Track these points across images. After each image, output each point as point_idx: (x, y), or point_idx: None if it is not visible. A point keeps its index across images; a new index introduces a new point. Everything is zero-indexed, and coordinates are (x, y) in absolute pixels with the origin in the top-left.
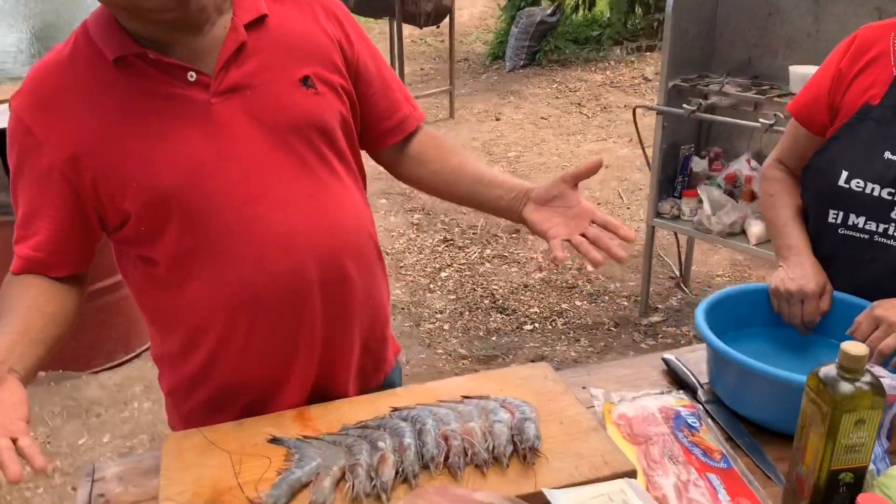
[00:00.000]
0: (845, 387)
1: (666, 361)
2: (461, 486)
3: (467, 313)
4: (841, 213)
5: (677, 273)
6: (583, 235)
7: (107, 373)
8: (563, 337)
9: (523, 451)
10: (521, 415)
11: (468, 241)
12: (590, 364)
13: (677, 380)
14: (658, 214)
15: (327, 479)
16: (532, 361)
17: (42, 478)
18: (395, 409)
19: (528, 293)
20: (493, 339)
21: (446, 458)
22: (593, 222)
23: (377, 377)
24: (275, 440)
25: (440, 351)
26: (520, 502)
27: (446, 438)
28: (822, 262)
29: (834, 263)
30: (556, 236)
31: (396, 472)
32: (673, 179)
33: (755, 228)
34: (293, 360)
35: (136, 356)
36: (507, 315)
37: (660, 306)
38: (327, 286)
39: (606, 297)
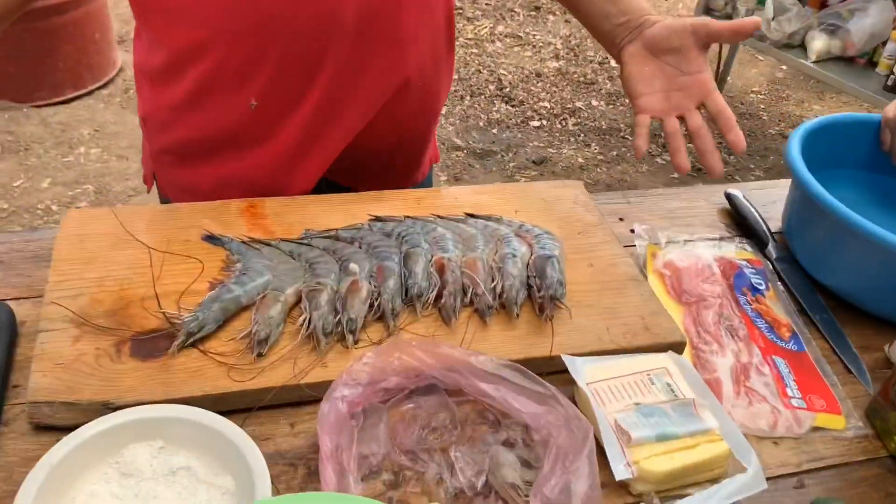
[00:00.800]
0: None
1: (730, 198)
2: (453, 336)
3: (468, 98)
4: None
5: None
6: (680, 118)
7: (51, 108)
8: (572, 139)
9: (540, 300)
10: (542, 249)
11: (479, 13)
12: (628, 190)
13: (741, 225)
14: (708, 10)
15: (276, 304)
16: (534, 162)
17: None
18: (377, 219)
19: (539, 84)
20: (494, 131)
21: (438, 296)
22: (703, 106)
23: (404, 185)
24: (211, 238)
25: None
26: (526, 371)
27: (441, 269)
28: None
29: None
30: (645, 110)
31: (370, 307)
32: None
33: (818, 43)
34: (297, 120)
35: (87, 94)
36: (513, 106)
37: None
38: (365, 25)
39: (626, 100)
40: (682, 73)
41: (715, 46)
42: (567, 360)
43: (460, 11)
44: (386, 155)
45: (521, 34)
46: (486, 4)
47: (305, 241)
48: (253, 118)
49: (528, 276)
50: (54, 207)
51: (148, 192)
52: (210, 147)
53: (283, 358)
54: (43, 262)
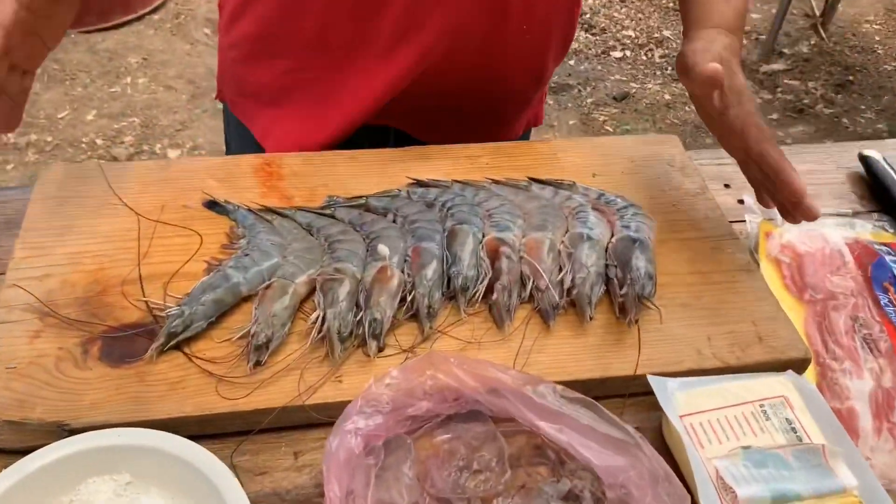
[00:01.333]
0: None
1: (865, 161)
2: (505, 343)
3: None
4: None
5: (817, 11)
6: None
7: (99, 35)
8: (658, 73)
9: (622, 299)
10: (626, 230)
11: None
12: None
13: (881, 197)
14: None
15: (283, 297)
16: (615, 98)
17: (12, 151)
18: (417, 183)
19: (623, 10)
20: (571, 63)
21: (489, 289)
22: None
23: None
24: (214, 204)
25: None
26: (601, 410)
27: (494, 254)
28: None
29: None
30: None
31: (401, 302)
32: None
33: None
34: (375, 25)
35: (137, 19)
36: (592, 35)
37: (786, 51)
38: None
39: None
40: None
41: None
42: (655, 382)
43: None
44: (468, 102)
45: None
46: None
47: (327, 212)
48: (324, 18)
49: (606, 266)
50: (98, 141)
51: (218, 101)
52: (274, 44)
53: (288, 368)
54: (14, 229)
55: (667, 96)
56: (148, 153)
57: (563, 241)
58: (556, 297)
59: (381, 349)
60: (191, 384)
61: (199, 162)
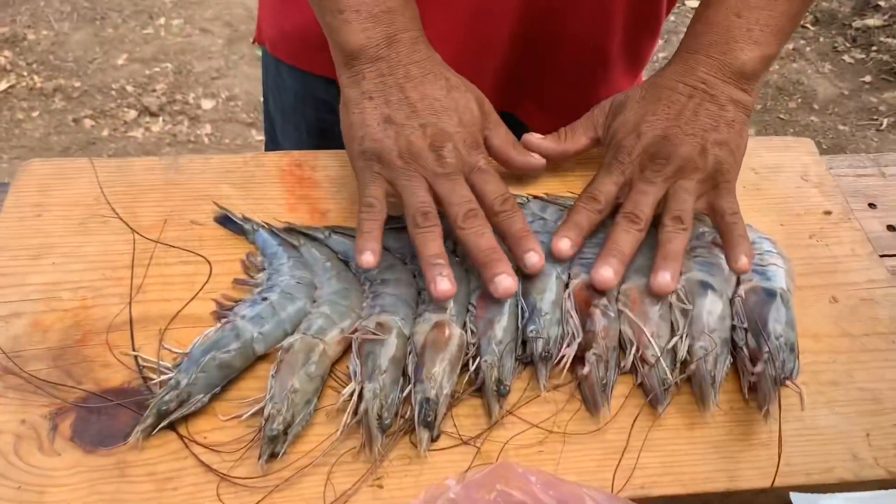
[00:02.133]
0: None
1: None
2: (601, 434)
3: None
4: None
5: None
6: None
7: None
8: None
9: (752, 378)
10: (760, 277)
11: None
12: (877, 152)
13: None
14: None
15: (308, 364)
16: None
17: (38, 97)
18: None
19: None
20: None
21: (579, 357)
22: None
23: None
24: (226, 220)
25: None
26: None
27: (586, 305)
28: None
29: None
30: None
31: (463, 368)
32: None
33: None
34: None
35: None
36: None
37: (882, 3)
38: None
39: None
40: None
41: None
42: (800, 501)
43: None
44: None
45: None
46: None
47: None
48: None
49: (732, 328)
50: (129, 88)
51: (257, 45)
52: None
53: (314, 464)
54: None
55: None
56: (180, 103)
57: (675, 291)
58: (668, 372)
59: (435, 438)
60: (185, 483)
61: (213, 162)
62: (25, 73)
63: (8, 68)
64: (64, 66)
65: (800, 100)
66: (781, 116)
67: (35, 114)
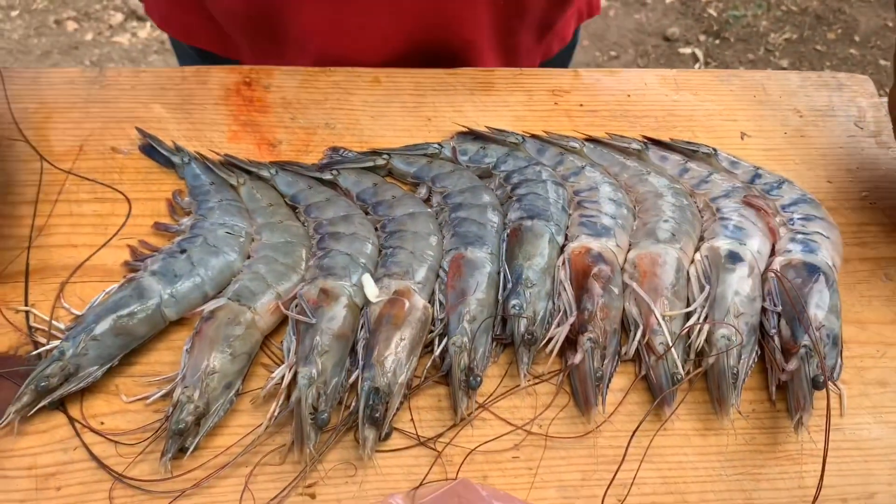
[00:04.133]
0: None
1: None
2: (588, 440)
3: None
4: None
5: None
6: None
7: None
8: None
9: (784, 376)
10: (799, 244)
11: None
12: None
13: None
14: None
15: (232, 338)
16: None
17: None
18: (471, 134)
19: None
20: None
21: (571, 339)
22: None
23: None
24: (152, 150)
25: None
26: None
27: (583, 275)
28: None
29: None
30: None
31: (425, 348)
32: None
33: None
34: None
35: None
36: None
37: None
38: None
39: None
40: None
41: None
42: None
43: None
44: None
45: None
46: None
47: (327, 176)
48: None
49: (763, 310)
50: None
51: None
52: None
53: (233, 464)
54: None
55: None
56: None
57: (696, 258)
58: (680, 365)
59: (385, 437)
60: (71, 481)
61: (145, 76)
62: None
63: None
64: None
65: (840, 30)
66: (818, 48)
67: (14, 13)
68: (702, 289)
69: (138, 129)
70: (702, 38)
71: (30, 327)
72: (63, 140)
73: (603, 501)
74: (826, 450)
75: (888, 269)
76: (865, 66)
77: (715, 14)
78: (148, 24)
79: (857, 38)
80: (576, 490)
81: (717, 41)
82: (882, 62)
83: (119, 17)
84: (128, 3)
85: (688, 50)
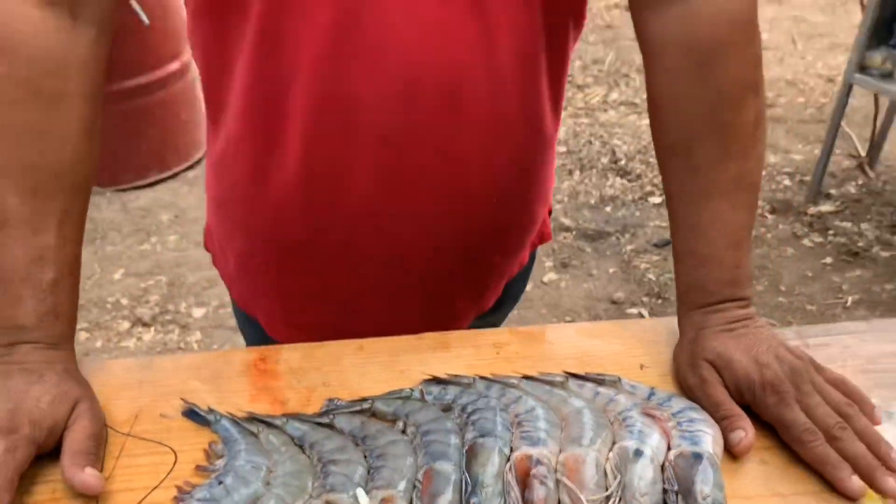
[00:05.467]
0: None
1: None
2: None
3: (578, 173)
4: None
5: (861, 151)
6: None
7: (133, 192)
8: None
9: None
10: (686, 439)
11: (591, 80)
12: (802, 323)
13: None
14: (862, 69)
15: None
16: (656, 245)
17: None
18: (434, 380)
19: None
20: (608, 209)
21: None
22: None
23: (479, 305)
24: (192, 413)
25: None
26: None
27: (525, 475)
28: None
29: None
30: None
31: None
32: (892, 23)
33: None
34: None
35: (172, 177)
36: (629, 181)
37: (833, 192)
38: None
39: (763, 173)
40: None
41: (864, 110)
42: None
43: (570, 79)
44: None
45: (636, 101)
46: (598, 71)
47: (325, 420)
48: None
49: (664, 491)
50: (124, 301)
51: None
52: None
53: None
54: None
55: None
56: (172, 312)
57: (607, 458)
58: None
59: None
60: None
61: (184, 359)
62: None
63: None
64: None
65: (766, 283)
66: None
67: None
68: (616, 478)
69: (182, 399)
70: (645, 299)
71: None
72: (123, 410)
73: None
74: None
75: (762, 454)
76: (794, 311)
77: (654, 278)
78: (152, 328)
79: (782, 288)
80: None
81: (660, 301)
82: (808, 307)
83: (126, 324)
84: (134, 312)
85: (634, 310)
